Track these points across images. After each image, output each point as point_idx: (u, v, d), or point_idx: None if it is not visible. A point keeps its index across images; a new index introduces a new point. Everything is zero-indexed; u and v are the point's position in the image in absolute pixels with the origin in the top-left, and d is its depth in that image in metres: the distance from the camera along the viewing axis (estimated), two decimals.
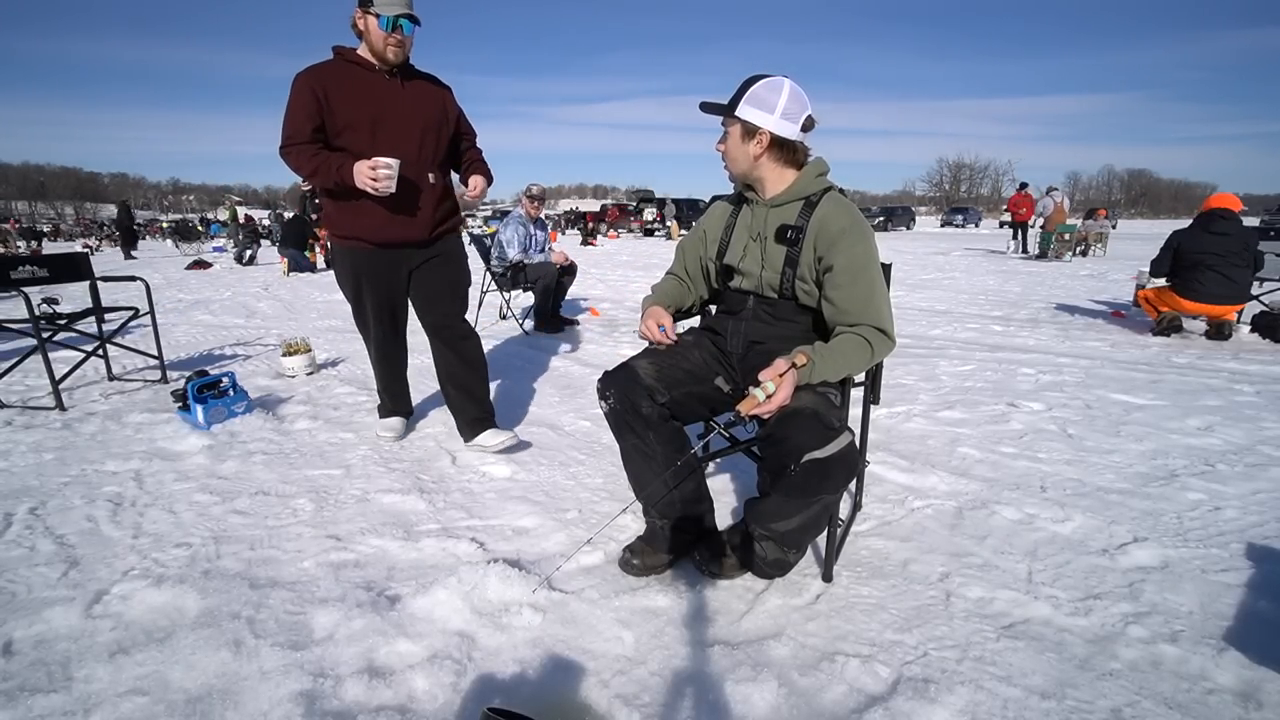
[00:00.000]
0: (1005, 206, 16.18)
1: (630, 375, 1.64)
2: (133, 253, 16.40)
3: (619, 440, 1.70)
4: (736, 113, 1.56)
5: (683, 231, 20.69)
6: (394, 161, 2.15)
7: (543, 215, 5.52)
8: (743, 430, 1.78)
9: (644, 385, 1.62)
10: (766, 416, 1.43)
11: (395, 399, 2.83)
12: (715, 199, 1.86)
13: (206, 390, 2.91)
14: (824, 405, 1.45)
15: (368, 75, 2.27)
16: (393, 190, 2.18)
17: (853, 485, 2.08)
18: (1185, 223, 5.09)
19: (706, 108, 1.64)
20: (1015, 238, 14.78)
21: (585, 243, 19.11)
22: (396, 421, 2.80)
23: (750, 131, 1.57)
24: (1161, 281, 4.97)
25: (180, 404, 2.95)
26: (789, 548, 1.59)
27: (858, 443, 1.98)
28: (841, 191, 1.66)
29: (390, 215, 2.33)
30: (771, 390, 1.41)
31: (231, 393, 2.98)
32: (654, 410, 1.61)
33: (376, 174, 2.12)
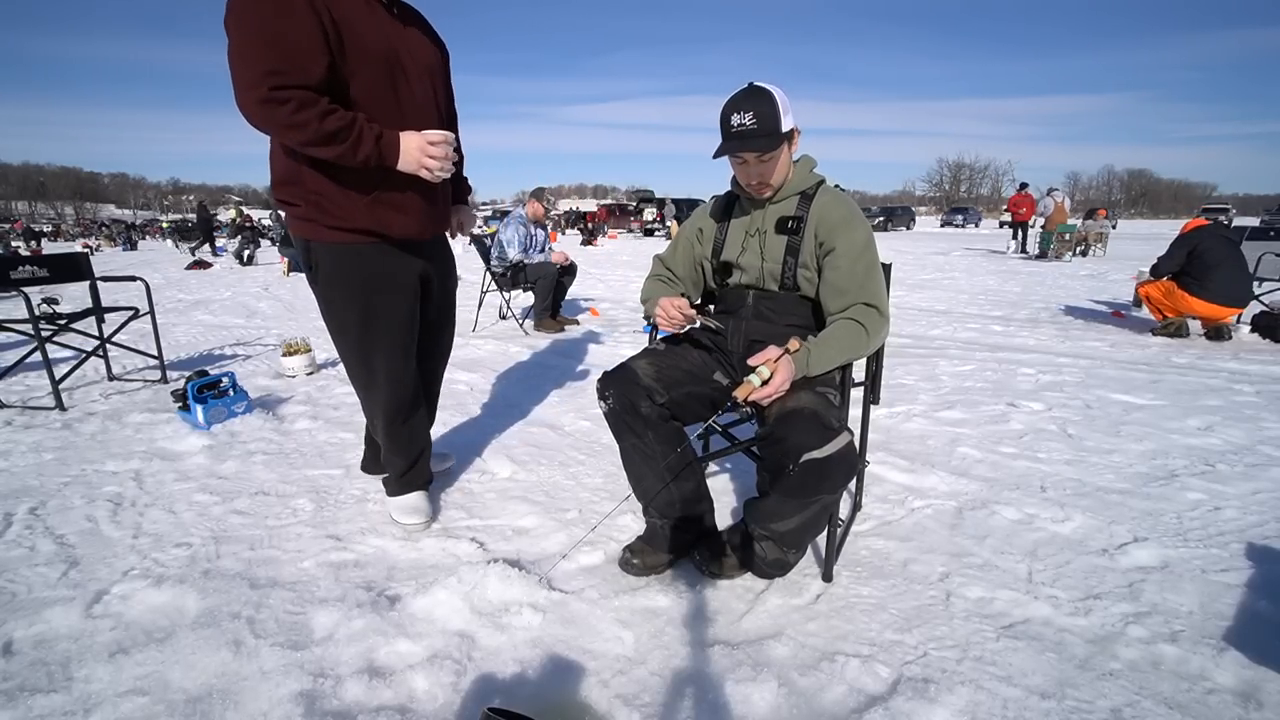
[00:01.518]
0: (1005, 207, 16.18)
1: (629, 376, 1.64)
2: (212, 250, 16.22)
3: (619, 441, 1.70)
4: (784, 130, 1.51)
5: None
6: (452, 136, 1.64)
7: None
8: (743, 427, 1.78)
9: (643, 385, 1.62)
10: (764, 403, 1.44)
11: (417, 463, 2.02)
12: (715, 199, 1.86)
13: (206, 390, 2.91)
14: (823, 405, 1.45)
15: None
16: (448, 176, 1.67)
17: (853, 485, 2.08)
18: (1185, 223, 5.10)
19: (751, 146, 1.50)
20: (1015, 238, 14.78)
21: (586, 243, 19.10)
22: (420, 500, 2.02)
23: (790, 138, 1.57)
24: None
25: (180, 404, 2.95)
26: (788, 548, 1.59)
27: (857, 443, 1.99)
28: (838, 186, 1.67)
29: (420, 201, 1.75)
30: (767, 375, 1.41)
31: (231, 393, 2.98)
32: (653, 410, 1.61)
33: (440, 153, 1.59)
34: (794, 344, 1.47)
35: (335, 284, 1.77)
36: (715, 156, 1.58)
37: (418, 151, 1.56)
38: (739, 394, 1.43)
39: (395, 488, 2.02)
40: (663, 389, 1.63)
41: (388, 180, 1.65)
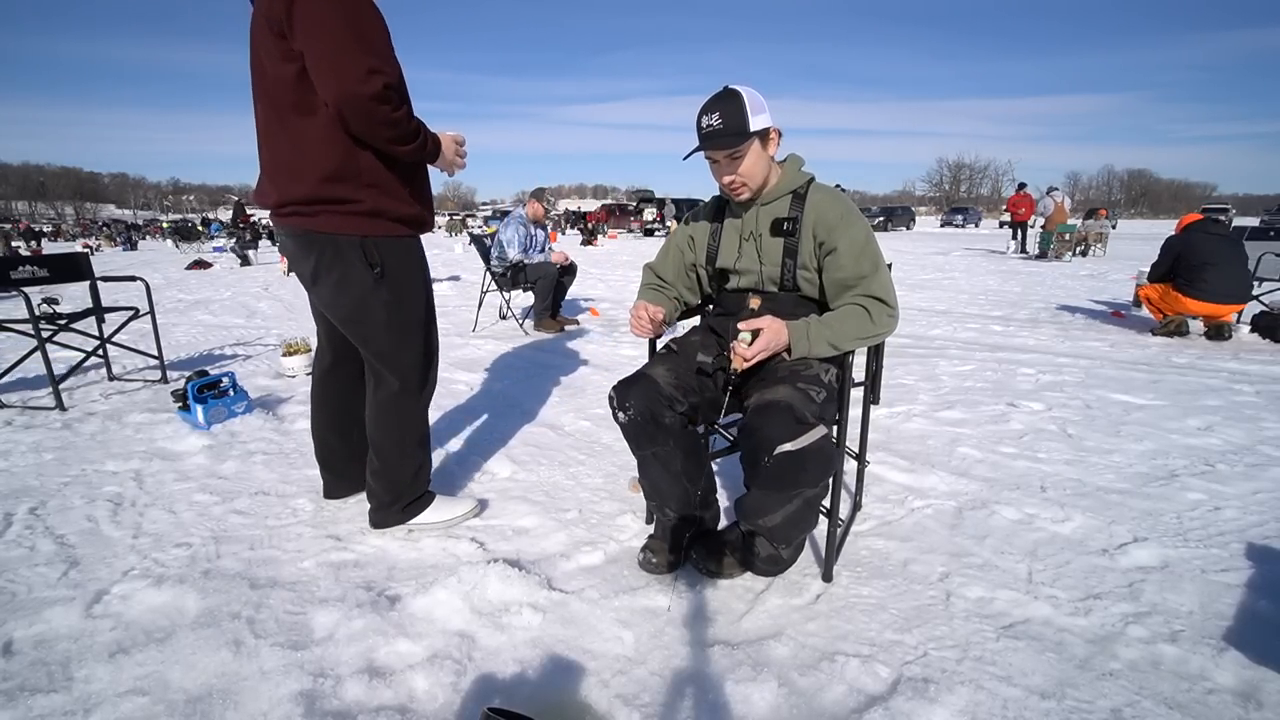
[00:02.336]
0: (1005, 206, 16.19)
1: (650, 385, 1.61)
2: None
3: (638, 450, 1.67)
4: (753, 129, 1.52)
5: None
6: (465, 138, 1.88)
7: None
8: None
9: (665, 395, 1.60)
10: (750, 357, 1.48)
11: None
12: (706, 204, 1.86)
13: (206, 390, 2.91)
14: (800, 399, 1.45)
15: None
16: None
17: (853, 485, 2.08)
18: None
19: (717, 144, 1.53)
20: (1015, 238, 14.79)
21: (586, 243, 19.11)
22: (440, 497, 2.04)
23: (764, 137, 1.57)
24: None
25: (180, 404, 2.95)
26: (778, 543, 1.60)
27: (856, 443, 1.99)
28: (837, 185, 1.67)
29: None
30: (749, 339, 1.47)
31: (231, 393, 2.98)
32: (676, 420, 1.61)
33: (464, 152, 1.84)
34: (767, 318, 1.54)
35: (405, 278, 1.79)
36: (685, 158, 1.60)
37: (451, 152, 1.76)
38: (736, 364, 1.48)
39: (428, 497, 1.98)
40: (682, 396, 1.62)
41: (415, 177, 1.77)
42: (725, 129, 1.51)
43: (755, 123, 1.52)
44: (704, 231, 1.80)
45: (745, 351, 1.47)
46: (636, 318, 1.67)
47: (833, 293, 1.62)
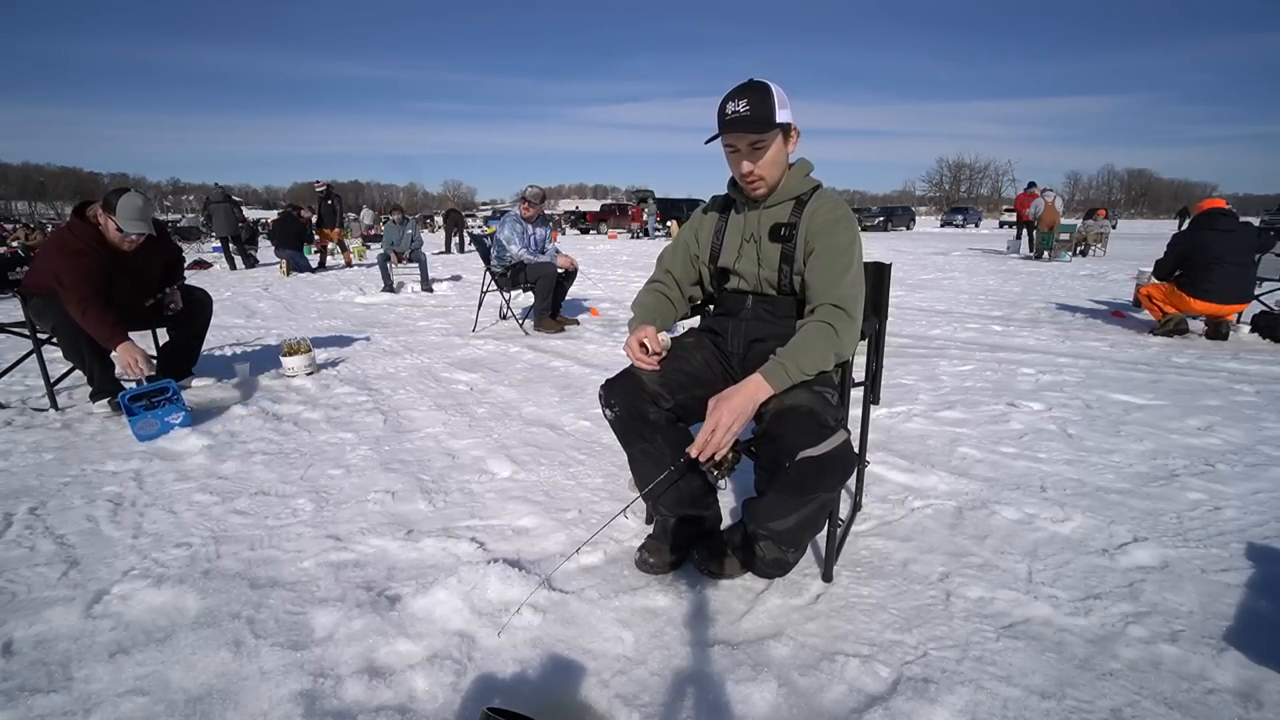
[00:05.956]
0: (1005, 207, 16.15)
1: (634, 383, 1.63)
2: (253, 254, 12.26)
3: (627, 447, 1.68)
4: (778, 121, 1.51)
5: None
6: None
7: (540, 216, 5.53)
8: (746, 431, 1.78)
9: (649, 392, 1.61)
10: (719, 453, 1.43)
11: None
12: (713, 199, 1.85)
13: (137, 401, 2.74)
14: (819, 403, 1.45)
15: None
16: None
17: (852, 485, 2.08)
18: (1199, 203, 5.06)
19: (743, 129, 1.50)
20: (1018, 237, 14.74)
21: (584, 231, 19.20)
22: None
23: (786, 132, 1.56)
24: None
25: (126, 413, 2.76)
26: (787, 546, 1.59)
27: (856, 443, 1.99)
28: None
29: None
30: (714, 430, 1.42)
31: (167, 404, 2.81)
32: (660, 415, 1.61)
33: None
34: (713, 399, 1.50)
35: None
36: (707, 141, 1.58)
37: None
38: (695, 451, 1.44)
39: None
40: (668, 393, 1.62)
41: None
42: (752, 116, 1.49)
43: (784, 115, 1.51)
44: (709, 227, 1.78)
45: (702, 446, 1.43)
46: (633, 354, 1.62)
47: (805, 296, 1.59)
